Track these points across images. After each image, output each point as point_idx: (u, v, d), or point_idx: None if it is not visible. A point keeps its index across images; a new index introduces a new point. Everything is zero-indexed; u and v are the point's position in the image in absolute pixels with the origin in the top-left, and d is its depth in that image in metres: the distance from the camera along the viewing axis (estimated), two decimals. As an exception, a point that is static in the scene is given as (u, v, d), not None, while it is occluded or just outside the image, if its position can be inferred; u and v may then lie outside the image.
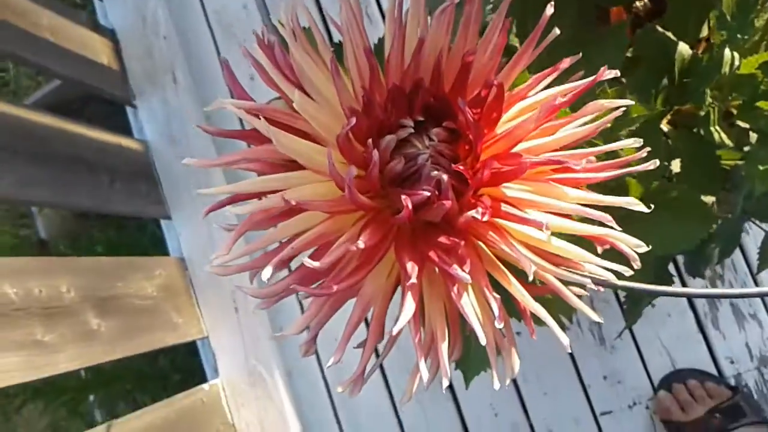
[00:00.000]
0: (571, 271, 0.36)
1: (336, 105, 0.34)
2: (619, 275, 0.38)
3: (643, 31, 0.68)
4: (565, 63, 0.35)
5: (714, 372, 1.16)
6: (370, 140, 0.30)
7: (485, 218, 0.31)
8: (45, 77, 1.51)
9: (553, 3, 0.53)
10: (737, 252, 1.14)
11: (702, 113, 0.62)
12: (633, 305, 0.71)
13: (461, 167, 0.32)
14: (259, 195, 0.35)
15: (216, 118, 1.27)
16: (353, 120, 0.30)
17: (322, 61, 0.36)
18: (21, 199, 1.02)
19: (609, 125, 0.50)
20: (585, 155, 0.36)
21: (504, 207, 0.33)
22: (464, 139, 0.33)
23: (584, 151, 0.36)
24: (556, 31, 0.38)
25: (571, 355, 1.18)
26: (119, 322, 1.02)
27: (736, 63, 0.61)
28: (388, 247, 0.33)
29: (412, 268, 0.31)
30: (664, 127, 0.68)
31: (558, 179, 0.35)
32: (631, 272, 0.37)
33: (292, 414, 1.22)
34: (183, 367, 1.53)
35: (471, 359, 0.55)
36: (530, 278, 0.30)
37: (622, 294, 0.73)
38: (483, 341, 0.30)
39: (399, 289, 0.35)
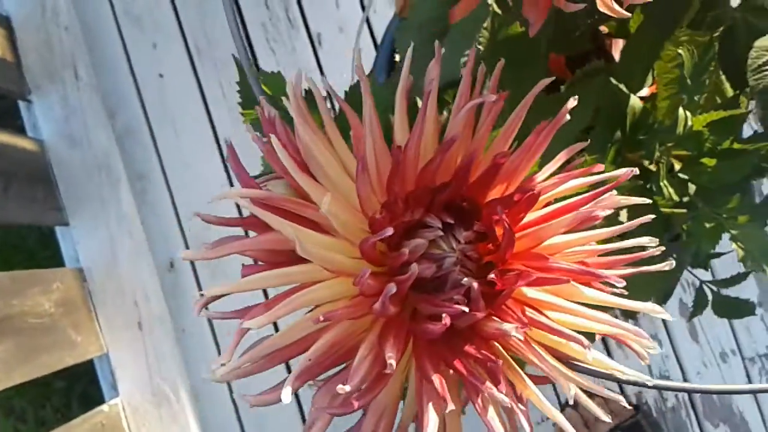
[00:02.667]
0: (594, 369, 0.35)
1: (346, 190, 0.32)
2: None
3: (597, 79, 0.68)
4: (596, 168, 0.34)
5: (616, 390, 1.21)
6: (403, 248, 0.28)
7: (519, 334, 0.29)
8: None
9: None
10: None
11: (653, 168, 0.63)
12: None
13: (494, 276, 0.30)
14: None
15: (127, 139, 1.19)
16: (389, 230, 0.27)
17: (328, 140, 0.33)
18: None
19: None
20: (598, 252, 0.35)
21: (530, 312, 0.31)
22: (489, 239, 0.31)
23: (599, 248, 0.34)
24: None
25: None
26: (16, 343, 0.93)
27: (689, 123, 0.62)
28: (403, 351, 0.31)
29: (439, 382, 0.29)
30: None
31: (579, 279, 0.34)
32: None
33: (199, 436, 1.16)
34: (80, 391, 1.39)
35: None
36: (570, 401, 0.29)
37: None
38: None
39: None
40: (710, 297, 0.70)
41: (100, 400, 1.15)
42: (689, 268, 0.72)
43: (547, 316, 0.31)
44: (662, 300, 0.72)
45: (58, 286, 1.07)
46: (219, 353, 1.19)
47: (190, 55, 1.24)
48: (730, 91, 0.66)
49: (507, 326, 0.29)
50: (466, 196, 0.31)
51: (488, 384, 0.29)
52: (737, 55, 0.64)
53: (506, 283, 0.30)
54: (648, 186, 0.64)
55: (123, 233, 1.16)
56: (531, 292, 0.32)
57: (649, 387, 0.35)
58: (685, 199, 0.66)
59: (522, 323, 0.29)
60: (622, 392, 1.21)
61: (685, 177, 0.66)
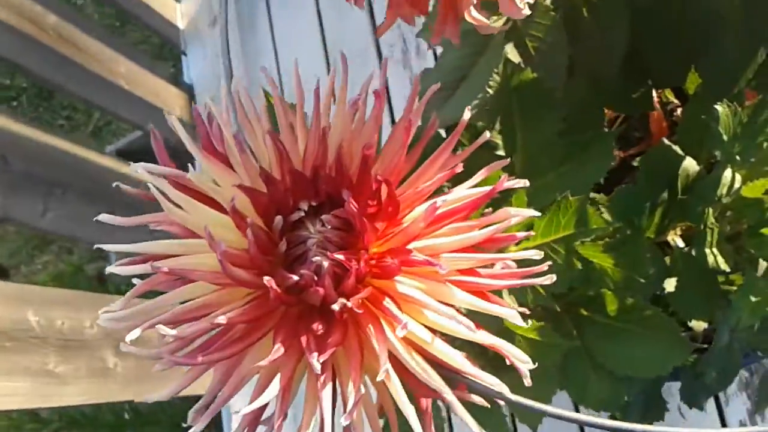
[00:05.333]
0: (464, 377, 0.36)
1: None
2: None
3: (655, 147, 0.66)
4: (458, 168, 0.35)
5: None
6: (250, 219, 0.31)
7: (350, 305, 0.31)
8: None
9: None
10: None
11: (699, 233, 0.59)
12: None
13: (341, 256, 0.32)
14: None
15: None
16: (238, 193, 0.31)
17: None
18: (65, 234, 1.08)
19: (572, 231, 0.49)
20: (491, 260, 0.35)
21: (386, 302, 0.33)
22: (356, 229, 0.34)
23: (491, 257, 0.35)
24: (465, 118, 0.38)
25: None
26: (137, 363, 1.04)
27: (737, 185, 0.58)
28: (275, 329, 0.34)
29: (277, 349, 0.31)
30: (672, 241, 0.66)
31: (458, 281, 0.35)
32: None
33: None
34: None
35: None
36: (379, 377, 0.30)
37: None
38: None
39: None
40: (778, 387, 0.63)
41: None
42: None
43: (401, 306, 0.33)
44: (725, 382, 0.66)
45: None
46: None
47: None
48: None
49: (340, 300, 0.31)
50: (337, 188, 0.34)
51: (314, 355, 0.31)
52: (805, 119, 0.59)
53: (361, 269, 0.32)
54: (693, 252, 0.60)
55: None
56: (402, 287, 0.34)
57: (509, 401, 0.35)
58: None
59: (357, 298, 0.31)
60: None
61: (748, 248, 0.62)
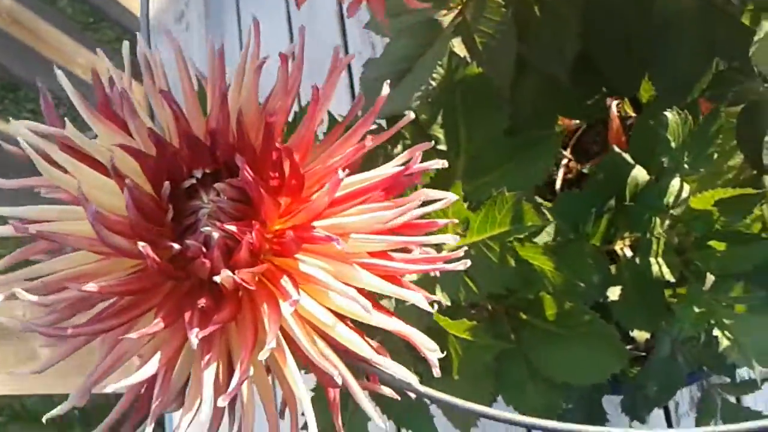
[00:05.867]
0: (374, 367, 0.33)
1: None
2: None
3: (606, 155, 0.65)
4: (368, 142, 0.33)
5: None
6: (129, 180, 0.29)
7: (238, 279, 0.29)
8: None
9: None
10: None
11: (644, 241, 0.58)
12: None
13: (233, 227, 0.30)
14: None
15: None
16: (123, 155, 0.29)
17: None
18: None
19: (508, 228, 0.47)
20: (403, 243, 0.33)
21: (283, 280, 0.31)
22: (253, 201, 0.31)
23: (403, 239, 0.33)
24: (410, 115, 0.36)
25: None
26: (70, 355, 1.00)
27: (684, 194, 0.57)
28: (159, 304, 0.31)
29: (156, 323, 0.29)
30: (621, 251, 0.64)
31: (368, 264, 0.33)
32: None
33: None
34: None
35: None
36: (263, 355, 0.28)
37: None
38: (206, 412, 0.28)
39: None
40: (719, 404, 0.61)
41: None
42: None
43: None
44: (665, 396, 0.64)
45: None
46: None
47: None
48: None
49: (224, 272, 0.29)
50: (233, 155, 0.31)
51: (194, 330, 0.28)
52: (758, 131, 0.58)
53: (254, 242, 0.30)
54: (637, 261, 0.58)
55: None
56: (304, 266, 0.32)
57: (418, 393, 0.32)
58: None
59: (242, 272, 0.29)
60: None
61: (694, 260, 0.60)
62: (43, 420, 0.30)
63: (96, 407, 1.61)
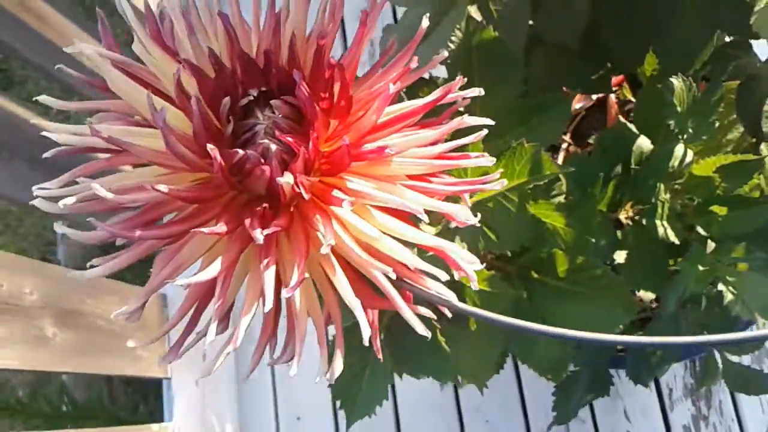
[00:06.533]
0: (413, 286, 0.35)
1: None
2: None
3: (611, 126, 0.68)
4: (413, 63, 0.35)
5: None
6: (194, 95, 0.31)
7: (298, 188, 0.31)
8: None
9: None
10: (729, 404, 1.08)
11: (650, 205, 0.60)
12: (562, 401, 0.67)
13: (290, 138, 0.32)
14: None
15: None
16: (181, 68, 0.31)
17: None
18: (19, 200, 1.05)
19: (526, 179, 0.49)
20: (441, 167, 0.35)
21: (334, 192, 0.32)
22: (306, 119, 0.33)
23: (441, 162, 0.35)
24: (443, 53, 0.38)
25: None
26: (77, 336, 1.01)
27: (688, 159, 0.60)
28: (219, 214, 0.33)
29: (220, 226, 0.31)
30: (625, 219, 0.67)
31: (409, 185, 0.35)
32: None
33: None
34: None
35: (357, 403, 0.53)
36: (325, 249, 0.30)
37: (551, 391, 0.69)
38: (267, 305, 0.29)
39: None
40: (720, 365, 0.63)
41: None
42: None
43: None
44: (669, 359, 0.66)
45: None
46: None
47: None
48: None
49: (285, 178, 0.31)
50: (290, 77, 0.33)
51: (257, 230, 0.30)
52: (756, 102, 0.61)
53: (310, 154, 0.32)
54: (644, 222, 0.61)
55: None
56: (352, 185, 0.33)
57: (458, 311, 0.34)
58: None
59: (301, 181, 0.31)
60: None
61: (696, 225, 0.63)
62: (112, 317, 0.32)
63: (86, 403, 1.61)
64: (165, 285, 0.33)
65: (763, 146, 0.62)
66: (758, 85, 0.62)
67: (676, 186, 0.62)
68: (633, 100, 0.86)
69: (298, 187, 0.31)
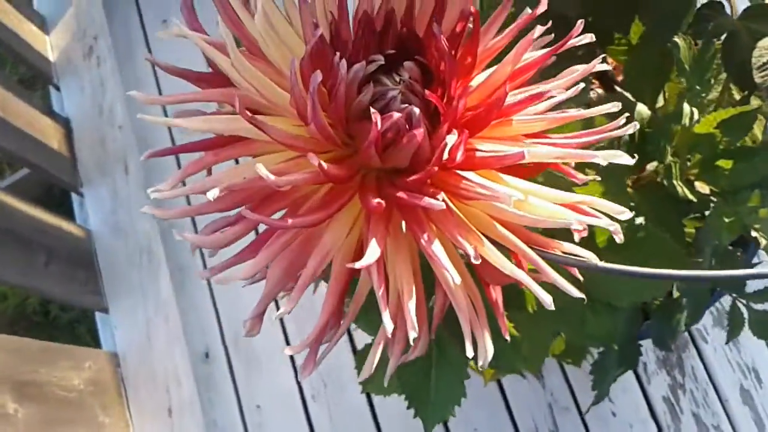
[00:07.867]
0: (547, 253, 0.33)
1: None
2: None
3: (607, 95, 0.68)
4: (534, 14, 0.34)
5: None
6: (336, 59, 0.28)
7: (459, 150, 0.28)
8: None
9: None
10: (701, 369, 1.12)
11: (664, 167, 0.61)
12: (600, 379, 0.67)
13: (434, 96, 0.29)
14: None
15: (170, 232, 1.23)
16: (318, 32, 0.28)
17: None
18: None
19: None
20: (561, 120, 0.34)
21: (479, 153, 0.30)
22: (437, 81, 0.31)
23: (562, 116, 0.34)
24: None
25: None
26: (39, 410, 0.92)
27: (696, 117, 0.61)
28: (352, 195, 0.30)
29: (376, 205, 0.28)
30: (629, 184, 0.68)
31: (534, 143, 0.33)
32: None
33: None
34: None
35: (431, 405, 0.50)
36: (509, 206, 0.27)
37: (588, 370, 0.69)
38: (457, 281, 0.27)
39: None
40: (746, 315, 0.65)
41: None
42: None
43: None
44: (695, 318, 0.67)
45: (90, 366, 1.07)
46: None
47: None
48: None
49: (450, 137, 0.28)
50: (414, 34, 0.31)
51: (426, 198, 0.27)
52: (741, 57, 0.63)
53: (449, 107, 0.29)
54: (662, 183, 0.62)
55: (159, 320, 1.17)
56: (481, 153, 0.31)
57: (599, 270, 0.33)
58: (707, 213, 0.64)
59: (461, 137, 0.28)
60: None
61: (705, 192, 0.64)
62: (273, 317, 0.28)
63: None
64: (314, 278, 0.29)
65: (752, 100, 0.65)
66: (739, 39, 0.64)
67: (676, 151, 0.64)
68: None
69: (459, 147, 0.28)
